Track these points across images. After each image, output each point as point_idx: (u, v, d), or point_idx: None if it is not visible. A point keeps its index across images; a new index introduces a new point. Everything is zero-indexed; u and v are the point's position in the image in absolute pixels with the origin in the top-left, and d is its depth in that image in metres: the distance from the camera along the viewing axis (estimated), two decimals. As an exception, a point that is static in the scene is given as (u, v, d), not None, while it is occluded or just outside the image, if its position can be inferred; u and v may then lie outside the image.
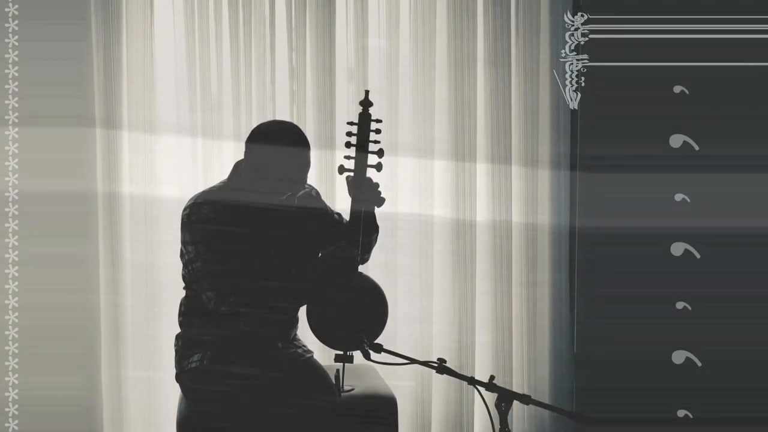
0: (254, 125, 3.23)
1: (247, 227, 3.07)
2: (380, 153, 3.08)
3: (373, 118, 3.10)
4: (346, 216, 3.23)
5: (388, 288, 3.20)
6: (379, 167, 3.09)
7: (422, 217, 4.07)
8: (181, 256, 3.13)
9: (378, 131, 3.10)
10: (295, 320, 3.29)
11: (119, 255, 3.90)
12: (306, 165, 3.11)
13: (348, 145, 3.10)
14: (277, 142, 3.07)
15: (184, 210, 3.10)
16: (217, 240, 3.03)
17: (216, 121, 3.93)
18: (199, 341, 3.14)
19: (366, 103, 3.11)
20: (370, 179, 3.11)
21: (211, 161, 3.93)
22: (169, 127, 3.94)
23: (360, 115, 3.11)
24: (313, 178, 3.43)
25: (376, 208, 3.15)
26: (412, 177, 4.07)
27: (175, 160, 3.95)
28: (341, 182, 3.90)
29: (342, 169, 3.09)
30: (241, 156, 3.20)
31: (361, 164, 3.08)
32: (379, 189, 3.12)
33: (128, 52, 3.89)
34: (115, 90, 3.87)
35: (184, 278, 3.18)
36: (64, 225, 3.79)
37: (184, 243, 3.10)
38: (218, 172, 3.82)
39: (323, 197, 3.42)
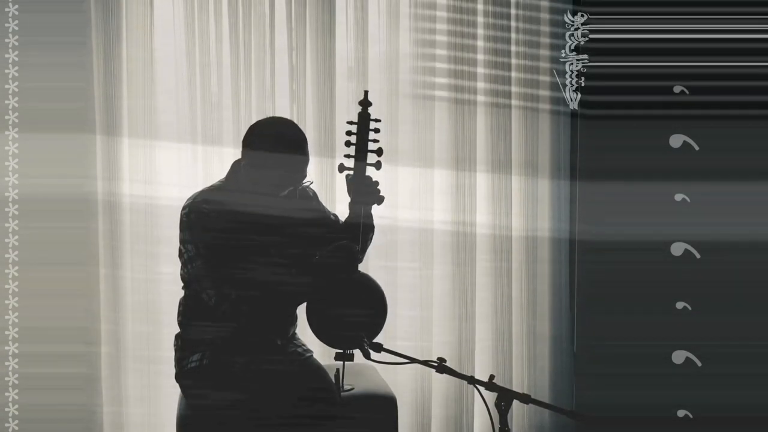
0: (254, 118, 3.24)
1: (246, 225, 3.07)
2: (379, 152, 3.11)
3: (372, 117, 3.12)
4: (342, 218, 3.26)
5: (388, 287, 3.21)
6: (378, 165, 3.12)
7: (422, 222, 4.08)
8: (180, 255, 3.13)
9: (377, 130, 3.13)
10: (294, 318, 3.29)
11: (119, 255, 3.90)
12: (304, 160, 3.12)
13: (348, 144, 3.13)
14: (275, 139, 3.09)
15: (183, 209, 3.10)
16: (216, 238, 3.03)
17: (216, 120, 3.94)
18: (199, 341, 3.14)
19: (365, 103, 3.14)
20: (369, 177, 3.13)
21: (212, 163, 3.93)
22: (169, 126, 3.94)
23: (359, 114, 3.13)
24: (312, 178, 3.44)
25: (376, 206, 3.17)
26: (412, 180, 4.07)
27: (174, 160, 3.96)
28: (340, 182, 3.92)
29: (342, 168, 3.11)
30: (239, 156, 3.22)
31: (360, 163, 3.10)
32: (378, 187, 3.14)
33: (128, 53, 3.88)
34: (115, 91, 3.87)
35: (182, 278, 3.18)
36: (65, 225, 3.78)
37: (183, 242, 3.10)
38: (219, 174, 3.81)
39: (323, 197, 3.43)
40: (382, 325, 3.12)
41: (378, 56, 4.04)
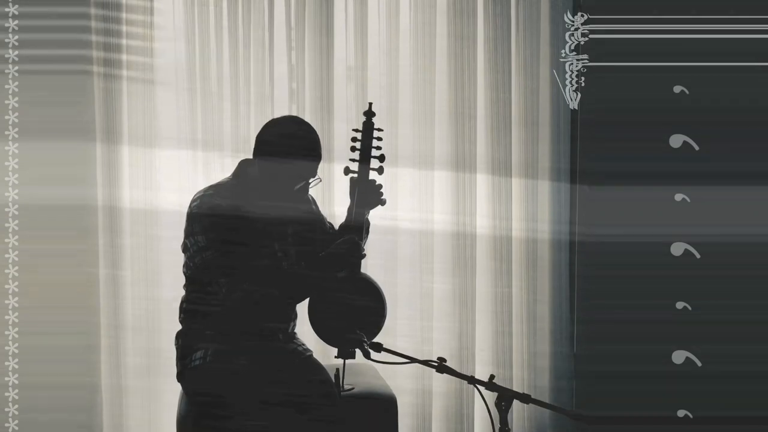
0: (253, 124, 3.28)
1: (256, 218, 3.11)
2: (381, 158, 3.27)
3: (375, 127, 3.29)
4: (336, 224, 3.39)
5: (388, 287, 3.23)
6: (380, 170, 3.27)
7: (422, 223, 4.08)
8: (186, 249, 3.14)
9: (380, 138, 3.29)
10: (295, 314, 3.32)
11: (119, 254, 3.90)
12: (317, 159, 3.21)
13: (353, 149, 3.28)
14: (290, 138, 3.16)
15: (193, 201, 3.13)
16: (228, 228, 3.06)
17: (216, 123, 3.94)
18: (201, 338, 3.14)
19: (369, 113, 3.30)
20: (373, 180, 3.26)
21: (212, 165, 3.93)
22: (169, 131, 3.94)
23: (364, 123, 3.29)
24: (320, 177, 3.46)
25: (380, 206, 3.29)
26: (412, 181, 4.07)
27: (174, 165, 3.96)
28: (339, 183, 3.94)
29: (347, 170, 3.26)
30: (241, 156, 3.26)
31: (364, 168, 3.27)
32: (381, 190, 3.27)
33: (128, 56, 3.88)
34: (116, 94, 3.87)
35: (185, 274, 3.19)
36: (65, 225, 3.79)
37: (192, 234, 3.10)
38: (219, 173, 3.82)
39: (322, 196, 3.46)
40: (382, 325, 3.16)
41: (378, 56, 4.04)
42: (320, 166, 3.90)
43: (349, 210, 3.26)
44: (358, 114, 3.90)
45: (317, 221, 3.38)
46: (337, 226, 3.41)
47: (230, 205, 3.08)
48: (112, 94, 3.87)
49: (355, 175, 3.26)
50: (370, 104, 3.32)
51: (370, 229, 3.35)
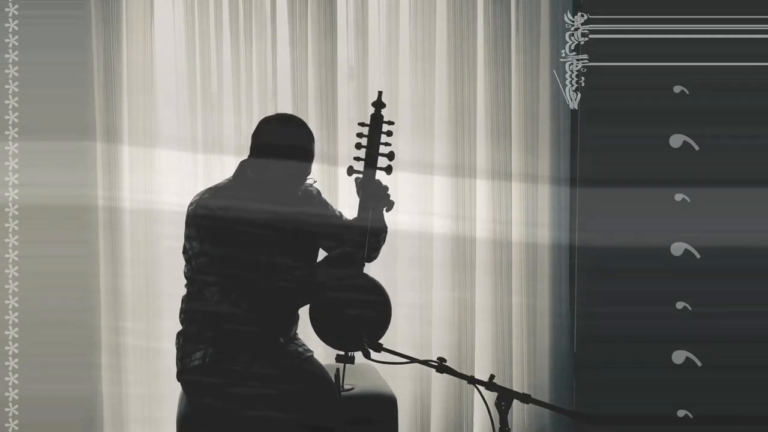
0: (255, 125, 3.23)
1: (251, 223, 3.08)
2: (390, 156, 3.05)
3: (385, 120, 3.06)
4: (347, 215, 3.27)
5: (388, 287, 3.20)
6: (389, 170, 3.06)
7: (423, 225, 4.07)
8: (185, 251, 3.14)
9: (389, 133, 3.07)
10: (297, 317, 3.30)
11: (119, 255, 3.90)
12: (310, 158, 3.12)
13: (359, 146, 3.07)
14: (282, 137, 3.10)
15: (190, 205, 3.11)
16: (222, 235, 3.04)
17: (217, 124, 3.93)
18: (201, 338, 3.14)
19: (379, 104, 3.06)
20: (379, 182, 3.10)
21: (213, 164, 3.93)
22: (170, 132, 3.94)
23: (372, 116, 3.07)
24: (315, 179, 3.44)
25: (385, 210, 3.13)
26: (411, 184, 4.06)
27: (175, 166, 3.95)
28: (343, 186, 3.93)
29: (351, 171, 3.06)
30: (242, 157, 3.24)
31: (371, 166, 3.04)
32: (388, 192, 3.11)
33: (128, 56, 3.88)
34: (116, 96, 3.87)
35: (185, 275, 3.19)
36: (65, 226, 3.79)
37: (188, 238, 3.10)
38: (220, 175, 3.81)
39: (326, 196, 3.43)
40: (386, 327, 3.09)
41: (378, 54, 4.03)
42: (325, 169, 3.92)
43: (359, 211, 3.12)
44: (359, 115, 3.90)
45: (317, 221, 3.29)
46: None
47: (225, 208, 3.05)
48: (112, 93, 3.87)
49: (360, 176, 3.04)
50: (380, 93, 3.07)
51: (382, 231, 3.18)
